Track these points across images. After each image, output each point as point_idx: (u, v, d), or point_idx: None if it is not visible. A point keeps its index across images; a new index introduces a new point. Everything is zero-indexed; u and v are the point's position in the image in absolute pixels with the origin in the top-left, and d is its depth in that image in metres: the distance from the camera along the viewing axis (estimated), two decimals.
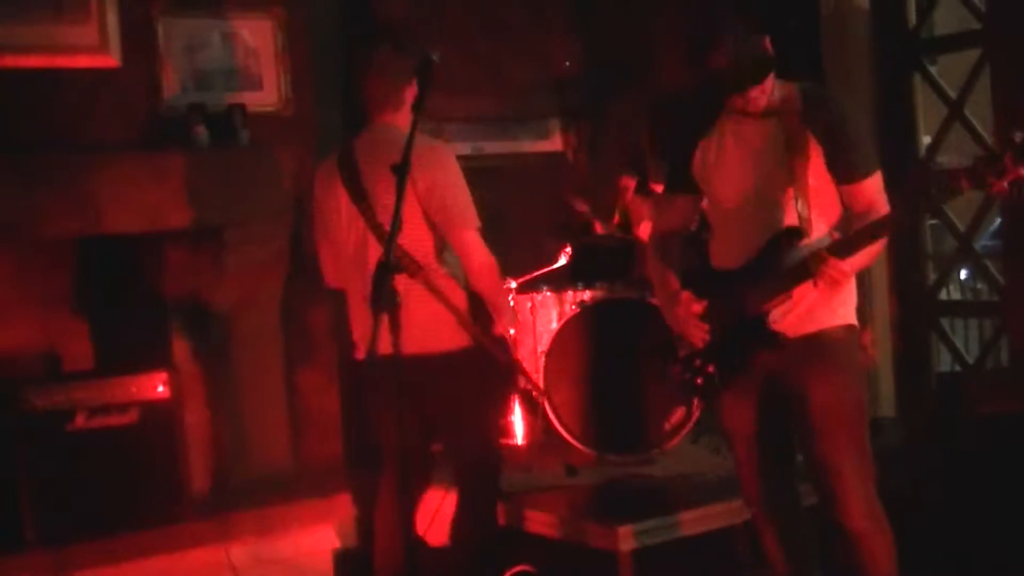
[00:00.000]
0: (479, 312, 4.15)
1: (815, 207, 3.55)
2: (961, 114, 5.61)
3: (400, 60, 4.11)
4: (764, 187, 3.56)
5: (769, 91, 3.55)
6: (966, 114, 5.59)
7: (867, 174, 3.57)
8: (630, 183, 6.35)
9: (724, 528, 4.72)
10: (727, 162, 3.64)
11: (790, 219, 3.53)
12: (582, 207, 6.31)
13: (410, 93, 4.08)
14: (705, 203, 3.81)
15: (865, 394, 3.69)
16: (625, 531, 4.55)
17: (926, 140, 5.93)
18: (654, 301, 5.35)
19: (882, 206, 3.52)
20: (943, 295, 5.97)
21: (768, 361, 3.60)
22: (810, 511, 3.87)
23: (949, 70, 5.82)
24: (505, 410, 5.82)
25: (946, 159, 5.83)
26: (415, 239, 4.04)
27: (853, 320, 3.69)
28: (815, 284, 3.46)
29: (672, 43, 6.39)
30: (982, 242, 6.03)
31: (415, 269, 3.99)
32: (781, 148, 3.55)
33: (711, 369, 3.66)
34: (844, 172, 3.55)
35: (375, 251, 3.98)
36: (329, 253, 4.31)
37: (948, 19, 5.89)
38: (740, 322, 3.59)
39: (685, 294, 3.70)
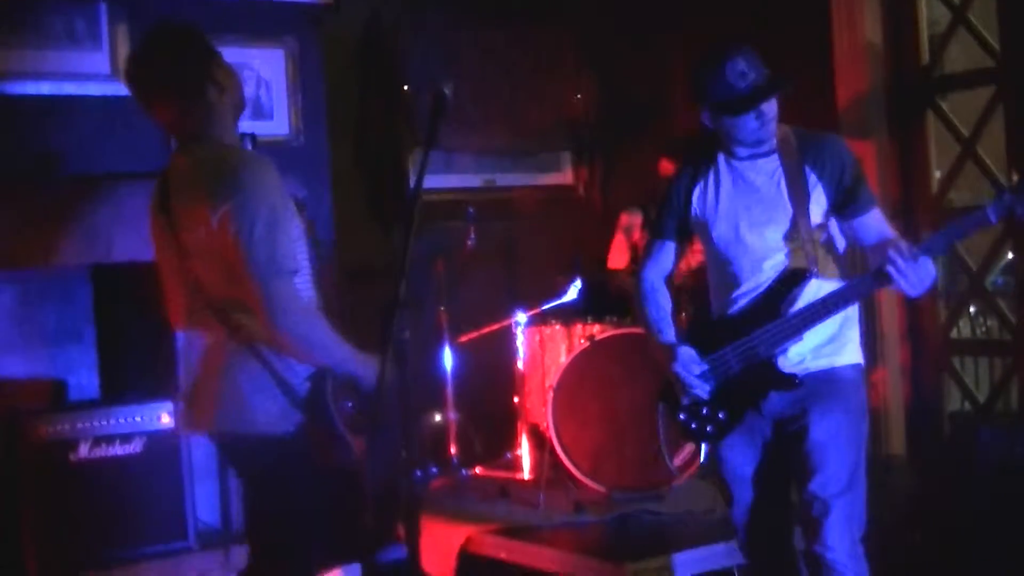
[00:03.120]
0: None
1: (820, 246, 3.52)
2: (974, 152, 5.58)
3: (180, 67, 3.28)
4: (767, 227, 3.53)
5: (773, 120, 3.51)
6: (979, 152, 5.57)
7: (875, 204, 3.55)
8: (634, 220, 6.32)
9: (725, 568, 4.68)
10: (728, 204, 3.59)
11: (796, 259, 3.50)
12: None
13: (217, 99, 3.30)
14: (699, 248, 3.76)
15: (865, 437, 3.61)
16: (632, 569, 4.52)
17: (938, 175, 5.91)
18: None
19: (891, 232, 3.50)
20: (954, 333, 5.93)
21: (776, 404, 3.57)
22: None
23: (963, 107, 5.80)
24: (512, 444, 5.79)
25: (958, 196, 5.81)
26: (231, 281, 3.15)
27: (860, 359, 3.65)
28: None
29: (685, 83, 6.38)
30: (993, 278, 5.99)
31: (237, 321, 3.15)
32: (783, 187, 3.52)
33: (721, 416, 3.61)
34: (852, 205, 3.51)
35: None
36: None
37: (961, 57, 5.87)
38: (750, 367, 3.55)
39: (685, 350, 3.62)
